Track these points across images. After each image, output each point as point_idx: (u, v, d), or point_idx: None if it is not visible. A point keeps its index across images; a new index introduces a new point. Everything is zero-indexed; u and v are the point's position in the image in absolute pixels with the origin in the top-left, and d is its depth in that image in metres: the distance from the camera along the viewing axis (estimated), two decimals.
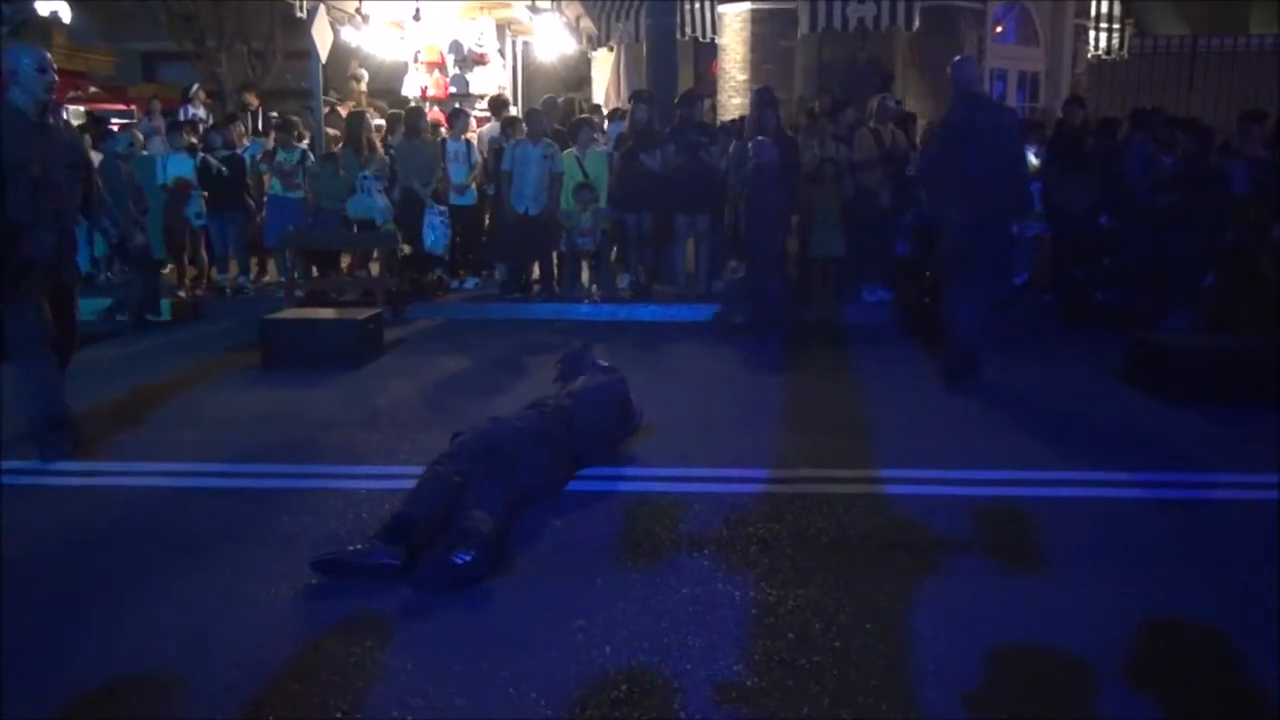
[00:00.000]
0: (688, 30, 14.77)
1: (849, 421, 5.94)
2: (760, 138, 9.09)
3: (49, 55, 5.16)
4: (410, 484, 4.22)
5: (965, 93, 6.80)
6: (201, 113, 12.98)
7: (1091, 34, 17.05)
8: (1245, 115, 9.16)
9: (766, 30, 15.08)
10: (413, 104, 11.93)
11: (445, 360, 7.75)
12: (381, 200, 9.89)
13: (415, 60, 12.99)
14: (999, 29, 16.38)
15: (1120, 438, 5.62)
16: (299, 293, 9.57)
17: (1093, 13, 16.98)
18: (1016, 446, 5.42)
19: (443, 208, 9.97)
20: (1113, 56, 17.32)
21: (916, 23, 13.99)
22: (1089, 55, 17.14)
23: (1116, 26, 17.29)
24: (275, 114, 13.55)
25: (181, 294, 9.91)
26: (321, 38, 11.14)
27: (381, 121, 11.83)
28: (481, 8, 12.77)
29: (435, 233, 9.84)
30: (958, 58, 7.31)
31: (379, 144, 10.69)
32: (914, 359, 7.63)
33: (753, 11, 15.07)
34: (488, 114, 12.40)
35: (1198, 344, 6.77)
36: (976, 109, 6.73)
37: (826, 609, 3.51)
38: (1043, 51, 16.62)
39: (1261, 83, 16.87)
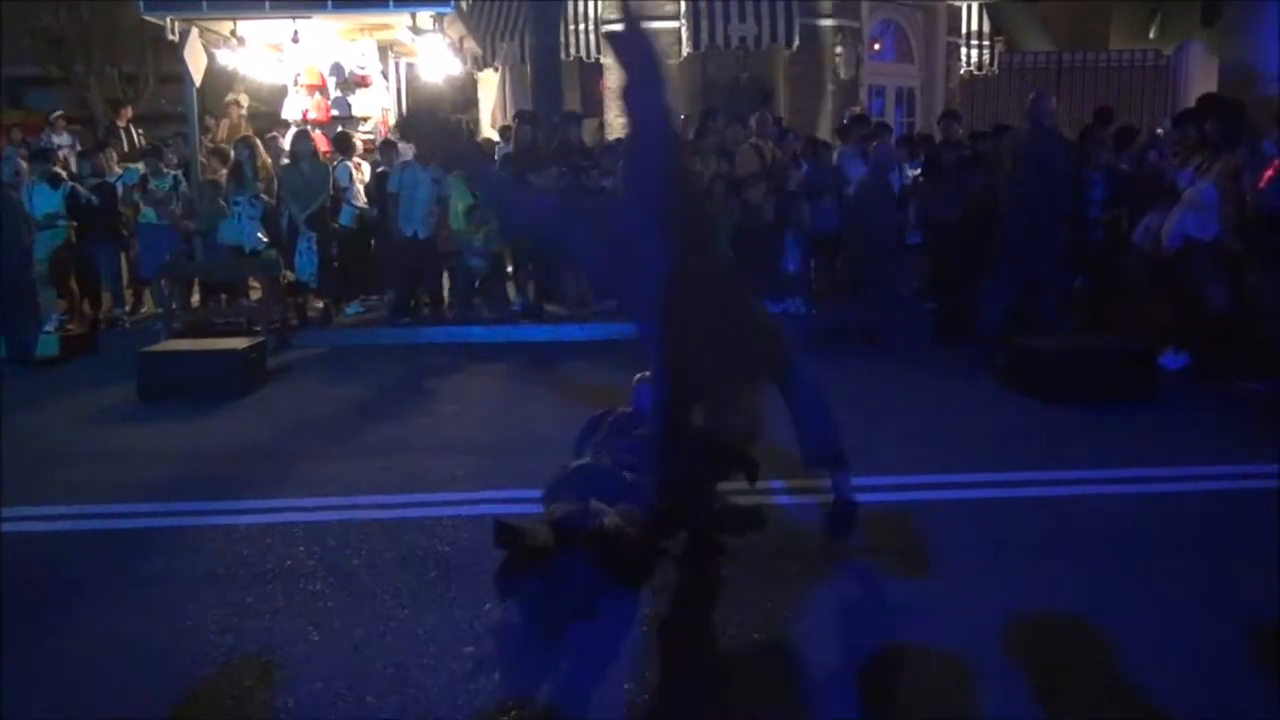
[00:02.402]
0: (572, 51, 14.82)
1: None
2: (847, 148, 9.77)
3: None
4: (293, 517, 4.10)
5: (1035, 124, 7.82)
6: (65, 139, 12.46)
7: (963, 50, 17.69)
8: (1090, 128, 9.34)
9: None
10: (294, 127, 11.67)
11: (331, 388, 7.59)
12: (251, 226, 9.58)
13: (295, 83, 12.70)
14: (876, 46, 16.89)
15: (997, 439, 5.83)
16: (177, 324, 9.26)
17: (963, 30, 17.63)
18: (899, 452, 5.56)
19: (312, 234, 9.76)
20: (984, 72, 17.99)
21: (796, 41, 14.34)
22: (961, 71, 17.78)
23: (987, 43, 17.96)
24: (140, 131, 13.08)
25: (71, 328, 9.44)
26: (195, 61, 10.80)
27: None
28: (362, 29, 12.55)
29: (302, 259, 9.66)
30: (1034, 94, 8.36)
31: (268, 167, 10.37)
32: None
33: None
34: (372, 136, 12.23)
35: (1063, 346, 7.06)
36: (1039, 139, 7.75)
37: (716, 621, 3.54)
38: (917, 68, 17.19)
39: (1123, 95, 17.74)
